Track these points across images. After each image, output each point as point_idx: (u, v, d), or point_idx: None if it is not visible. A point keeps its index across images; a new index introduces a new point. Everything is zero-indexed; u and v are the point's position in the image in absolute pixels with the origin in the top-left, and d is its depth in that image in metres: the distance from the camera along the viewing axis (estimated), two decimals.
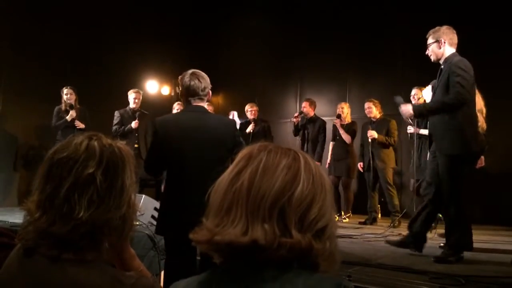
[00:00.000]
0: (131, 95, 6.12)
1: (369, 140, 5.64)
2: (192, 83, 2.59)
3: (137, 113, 6.08)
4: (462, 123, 3.08)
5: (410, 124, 5.04)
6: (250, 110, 6.46)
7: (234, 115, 6.55)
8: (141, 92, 6.34)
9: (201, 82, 2.60)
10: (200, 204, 0.89)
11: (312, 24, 7.88)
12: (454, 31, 3.26)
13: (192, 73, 2.63)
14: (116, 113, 6.10)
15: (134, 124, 5.95)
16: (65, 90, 5.89)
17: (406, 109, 3.30)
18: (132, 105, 6.10)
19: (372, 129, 5.65)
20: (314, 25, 7.84)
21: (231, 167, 0.87)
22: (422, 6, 6.54)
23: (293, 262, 0.80)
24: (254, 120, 6.39)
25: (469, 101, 3.09)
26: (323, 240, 0.82)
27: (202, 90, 2.59)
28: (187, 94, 2.61)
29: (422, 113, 3.39)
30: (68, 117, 5.78)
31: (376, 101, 5.80)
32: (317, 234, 0.81)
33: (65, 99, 5.87)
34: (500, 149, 5.85)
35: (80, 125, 5.82)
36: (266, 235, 0.78)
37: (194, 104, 2.60)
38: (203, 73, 2.67)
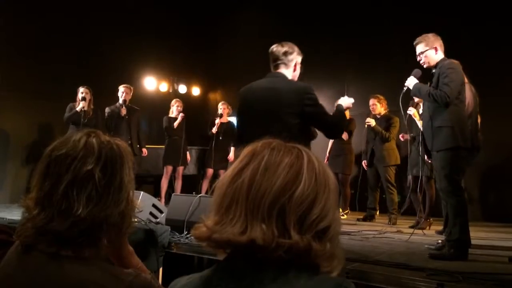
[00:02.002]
0: (120, 89, 6.20)
1: (371, 129, 5.64)
2: (275, 49, 2.60)
3: (126, 106, 6.14)
4: (450, 121, 3.15)
5: (412, 106, 4.96)
6: None
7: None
8: (131, 88, 6.37)
9: (283, 46, 2.58)
10: None
11: (310, 21, 7.85)
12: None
13: (280, 42, 2.63)
14: (107, 109, 6.19)
15: (123, 111, 6.03)
16: (81, 89, 5.91)
17: (411, 80, 3.42)
18: (121, 99, 6.14)
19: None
20: (313, 22, 7.81)
21: (234, 164, 0.86)
22: (422, 5, 6.54)
23: (293, 263, 0.78)
24: None
25: (454, 102, 3.15)
26: (323, 241, 0.80)
27: (283, 54, 2.57)
28: (271, 62, 2.65)
29: (416, 92, 3.42)
30: (78, 108, 5.78)
31: (381, 97, 5.72)
32: (318, 235, 0.79)
33: (79, 97, 5.86)
34: (502, 146, 5.87)
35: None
36: (264, 235, 0.76)
37: (274, 71, 2.61)
38: (291, 43, 2.64)
